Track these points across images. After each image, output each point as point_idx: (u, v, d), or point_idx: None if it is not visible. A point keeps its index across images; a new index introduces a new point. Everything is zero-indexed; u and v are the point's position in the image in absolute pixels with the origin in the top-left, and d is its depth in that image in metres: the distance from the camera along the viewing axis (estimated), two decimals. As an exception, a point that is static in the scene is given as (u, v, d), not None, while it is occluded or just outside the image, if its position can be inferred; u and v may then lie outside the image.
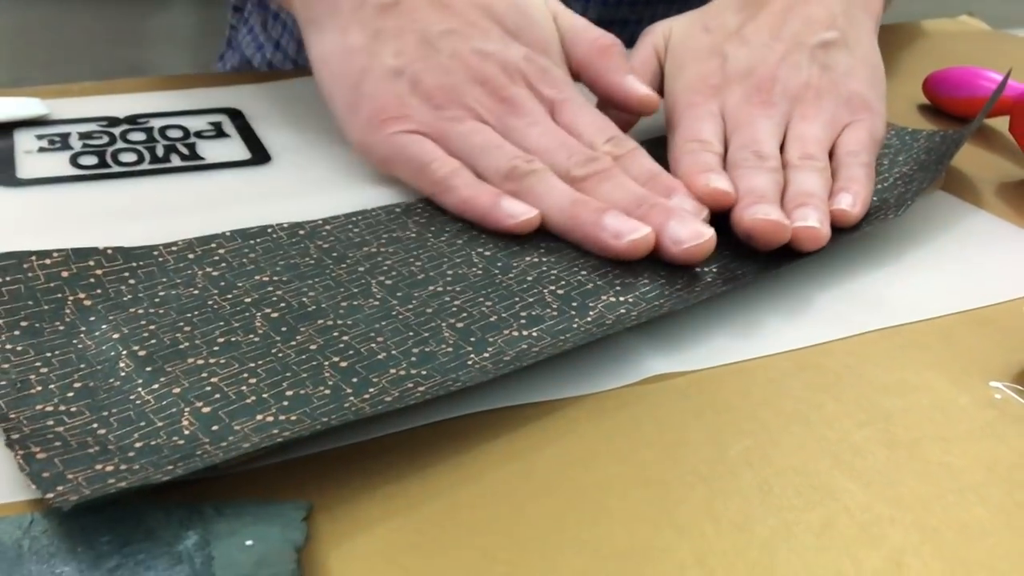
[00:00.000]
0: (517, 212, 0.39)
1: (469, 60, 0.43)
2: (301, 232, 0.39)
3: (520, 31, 0.45)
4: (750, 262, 0.39)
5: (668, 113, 0.47)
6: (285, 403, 0.29)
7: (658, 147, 0.46)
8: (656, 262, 0.38)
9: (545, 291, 0.36)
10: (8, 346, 0.31)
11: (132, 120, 0.50)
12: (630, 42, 0.75)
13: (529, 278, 0.37)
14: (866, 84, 0.46)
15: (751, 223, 0.38)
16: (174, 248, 0.37)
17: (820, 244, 0.39)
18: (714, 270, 0.38)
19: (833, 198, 0.41)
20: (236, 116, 0.51)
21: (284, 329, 0.33)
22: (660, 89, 0.49)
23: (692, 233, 0.37)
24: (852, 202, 0.41)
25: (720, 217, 0.40)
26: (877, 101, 0.46)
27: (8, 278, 0.33)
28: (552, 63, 0.45)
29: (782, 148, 0.44)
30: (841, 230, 0.40)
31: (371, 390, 0.30)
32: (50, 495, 0.25)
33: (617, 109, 0.46)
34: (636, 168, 0.42)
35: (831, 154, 0.44)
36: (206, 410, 0.29)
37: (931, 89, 0.59)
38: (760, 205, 0.39)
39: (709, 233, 0.37)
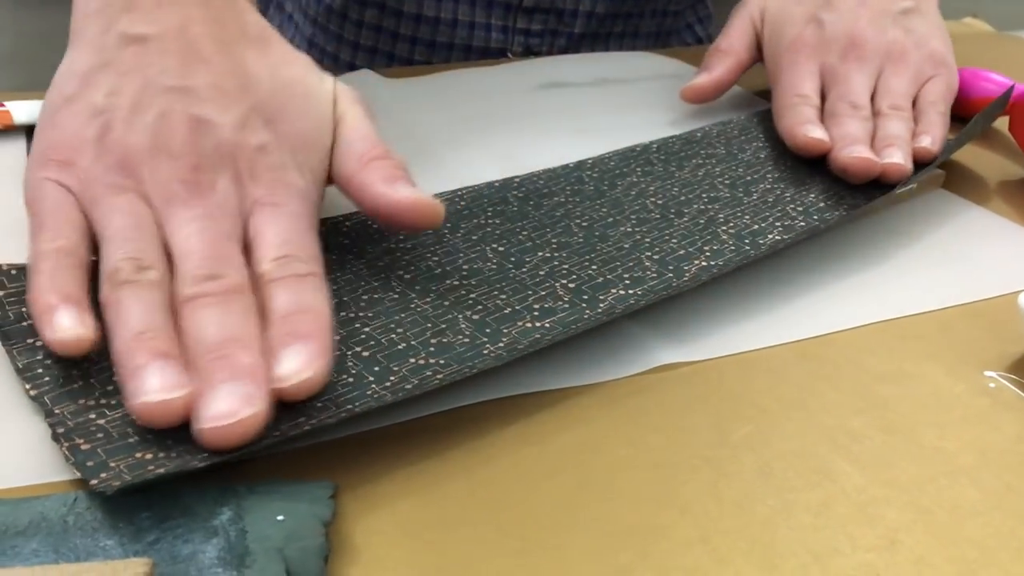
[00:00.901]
0: (62, 326, 0.31)
1: (180, 127, 0.35)
2: (322, 229, 0.40)
3: (280, 118, 0.37)
4: (753, 253, 0.40)
5: (771, 71, 0.55)
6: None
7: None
8: (663, 259, 0.40)
9: (557, 284, 0.38)
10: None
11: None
12: (634, 34, 0.77)
13: (541, 272, 0.38)
14: (942, 43, 0.54)
15: (847, 159, 0.46)
16: None
17: (904, 176, 0.46)
18: (720, 263, 0.39)
19: (916, 138, 0.48)
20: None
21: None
22: (757, 56, 0.57)
23: (222, 411, 0.28)
24: (931, 141, 0.48)
25: (732, 216, 0.42)
26: (951, 58, 0.54)
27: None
28: (295, 164, 0.37)
29: (873, 97, 0.51)
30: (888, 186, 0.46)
31: (391, 378, 0.32)
32: (94, 482, 0.27)
33: (390, 224, 0.38)
34: (281, 299, 0.32)
35: (914, 102, 0.51)
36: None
37: (934, 90, 0.60)
38: (855, 146, 0.46)
39: (243, 415, 0.28)
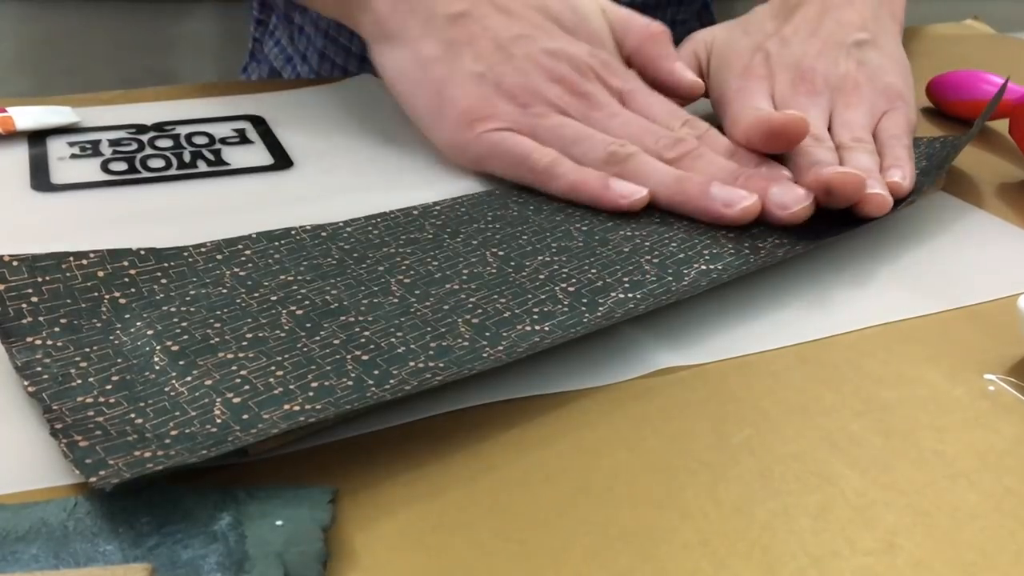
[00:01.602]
0: (628, 192, 0.42)
1: (542, 60, 0.46)
2: (323, 234, 0.41)
3: (577, 28, 0.48)
4: (751, 256, 0.40)
5: (718, 102, 0.52)
6: (310, 393, 0.31)
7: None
8: (663, 262, 0.40)
9: (556, 288, 0.38)
10: (49, 342, 0.33)
11: (159, 127, 0.52)
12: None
13: (541, 276, 0.38)
14: (898, 77, 0.51)
15: (831, 175, 0.42)
16: (203, 249, 0.38)
17: (885, 210, 0.43)
18: (719, 267, 0.39)
19: (885, 173, 0.45)
20: (259, 123, 0.53)
21: (308, 325, 0.35)
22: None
23: (795, 197, 0.41)
24: (903, 176, 0.45)
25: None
26: (908, 92, 0.51)
27: (48, 277, 0.35)
28: (609, 54, 0.48)
29: (831, 133, 0.48)
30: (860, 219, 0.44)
31: (391, 381, 0.32)
32: (92, 479, 0.27)
33: (667, 94, 0.49)
34: (717, 146, 0.45)
35: (873, 137, 0.48)
36: (236, 400, 0.31)
37: (934, 92, 0.60)
38: (832, 166, 0.43)
39: (809, 200, 0.41)
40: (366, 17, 0.49)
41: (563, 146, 0.45)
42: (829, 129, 0.48)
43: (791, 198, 0.41)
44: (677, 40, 0.79)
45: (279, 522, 0.26)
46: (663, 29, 0.50)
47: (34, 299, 0.34)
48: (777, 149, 0.46)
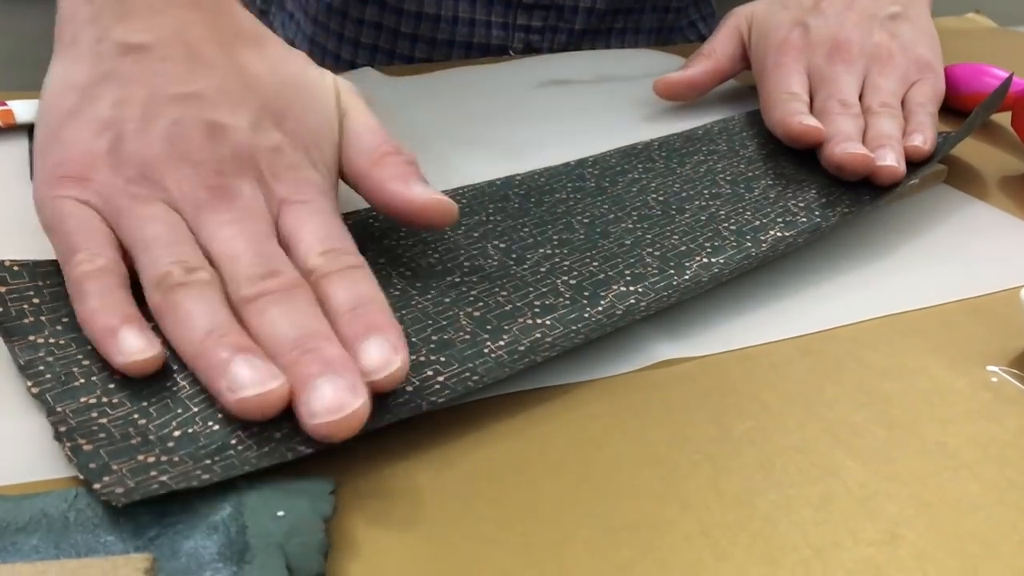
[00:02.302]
0: (131, 349, 0.31)
1: (195, 134, 0.35)
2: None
3: (288, 116, 0.37)
4: (753, 249, 0.40)
5: (758, 74, 0.55)
6: None
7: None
8: (664, 255, 0.40)
9: (558, 281, 0.38)
10: (52, 340, 0.33)
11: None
12: (635, 30, 0.77)
13: (543, 269, 0.38)
14: (928, 50, 0.53)
15: (842, 155, 0.45)
16: None
17: (897, 179, 0.45)
18: (720, 260, 0.39)
19: (908, 137, 0.48)
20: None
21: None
22: (740, 65, 0.58)
23: (333, 404, 0.28)
24: (924, 140, 0.47)
25: (725, 214, 0.42)
26: (938, 64, 0.53)
27: (48, 282, 0.35)
28: (310, 161, 0.37)
29: (861, 97, 0.51)
30: (882, 186, 0.46)
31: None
32: (97, 485, 0.27)
33: (403, 222, 0.38)
34: (340, 293, 0.33)
35: (902, 104, 0.51)
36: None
37: (936, 85, 0.60)
38: (848, 142, 0.46)
39: (356, 406, 0.28)
40: (58, 18, 0.39)
41: (136, 247, 0.34)
42: (862, 94, 0.51)
43: (326, 402, 0.28)
44: (676, 30, 0.79)
45: (280, 513, 0.26)
46: (394, 150, 0.39)
47: (35, 300, 0.34)
48: (797, 148, 0.49)
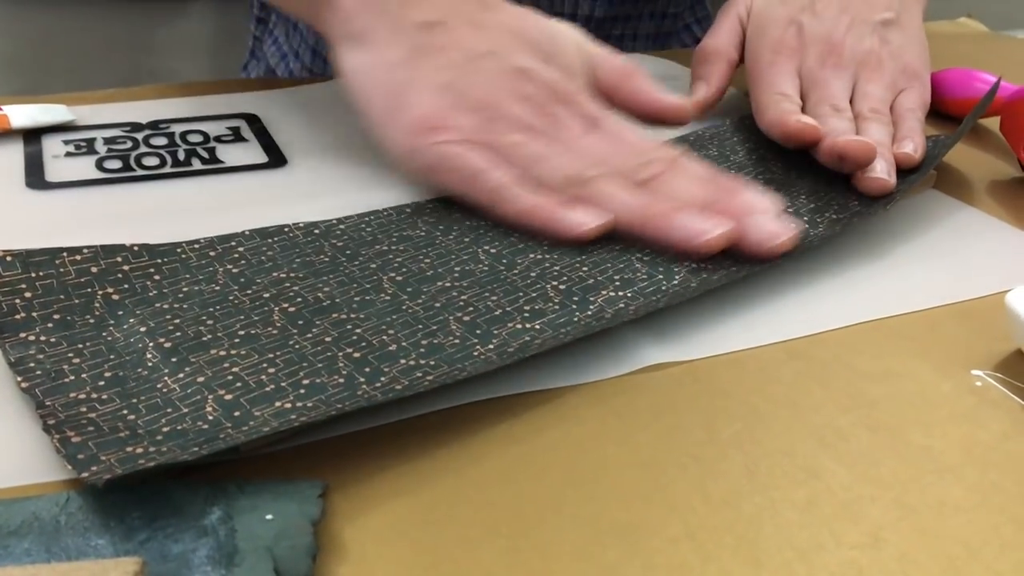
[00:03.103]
0: (580, 221, 0.40)
1: (511, 78, 0.44)
2: (316, 231, 0.41)
3: (551, 56, 0.46)
4: (745, 259, 0.40)
5: (751, 69, 0.56)
6: (302, 391, 0.31)
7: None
8: (653, 260, 0.40)
9: (548, 286, 0.38)
10: (43, 338, 0.33)
11: (154, 125, 0.52)
12: (632, 37, 0.77)
13: (533, 274, 0.39)
14: (917, 58, 0.54)
15: (844, 144, 0.46)
16: (197, 246, 0.39)
17: (886, 192, 0.46)
18: (709, 266, 0.40)
19: (898, 144, 0.49)
20: (253, 121, 0.53)
21: (300, 322, 0.35)
22: (741, 53, 0.58)
23: (770, 233, 0.39)
24: (914, 148, 0.48)
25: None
26: (925, 73, 0.54)
27: (41, 273, 0.35)
28: (578, 86, 0.46)
29: (851, 102, 0.52)
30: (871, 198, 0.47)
31: (382, 379, 0.32)
32: (85, 474, 0.27)
33: (655, 122, 0.48)
34: (690, 171, 0.42)
35: (890, 111, 0.52)
36: (228, 397, 0.31)
37: (927, 90, 0.60)
38: (847, 134, 0.47)
39: (790, 232, 0.39)
40: (333, 15, 0.47)
41: (525, 164, 0.42)
42: (851, 100, 0.52)
43: (766, 233, 0.39)
44: (672, 34, 0.80)
45: (269, 516, 0.27)
46: (638, 67, 0.49)
47: (27, 294, 0.34)
48: (792, 147, 0.49)
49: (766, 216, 0.39)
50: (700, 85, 0.57)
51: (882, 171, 0.46)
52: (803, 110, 0.51)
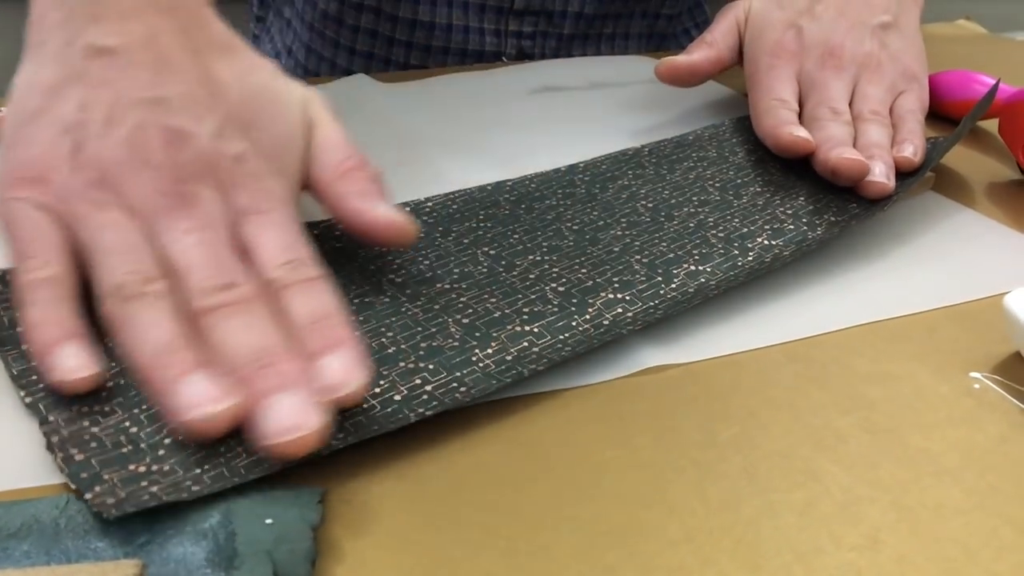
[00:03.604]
0: (66, 367, 0.31)
1: (156, 139, 0.35)
2: (315, 233, 0.41)
3: (253, 126, 0.37)
4: (741, 258, 0.40)
5: (749, 74, 0.55)
6: None
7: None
8: (652, 262, 0.40)
9: (547, 288, 0.38)
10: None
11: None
12: (624, 35, 0.77)
13: (531, 276, 0.39)
14: (915, 61, 0.54)
15: (837, 160, 0.46)
16: None
17: (886, 194, 0.45)
18: (708, 268, 0.40)
19: (897, 147, 0.48)
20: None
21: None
22: (738, 58, 0.58)
23: (289, 424, 0.28)
24: (914, 151, 0.48)
25: (719, 227, 0.42)
26: (923, 75, 0.54)
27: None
28: (273, 170, 0.37)
29: (851, 104, 0.51)
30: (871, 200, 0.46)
31: (381, 383, 0.32)
32: (89, 496, 0.27)
33: (364, 238, 0.38)
34: (300, 305, 0.32)
35: (889, 113, 0.51)
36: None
37: (925, 92, 0.60)
38: (842, 147, 0.46)
39: (313, 426, 0.28)
40: (29, 20, 0.39)
41: (94, 254, 0.33)
42: (851, 102, 0.52)
43: (282, 423, 0.28)
44: (669, 37, 0.80)
45: (269, 520, 0.27)
46: (360, 165, 0.39)
47: None
48: (786, 158, 0.49)
49: (295, 400, 0.29)
50: (680, 55, 0.58)
51: (881, 174, 0.46)
52: (801, 112, 0.51)
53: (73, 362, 0.31)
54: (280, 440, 0.28)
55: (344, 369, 0.30)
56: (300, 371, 0.30)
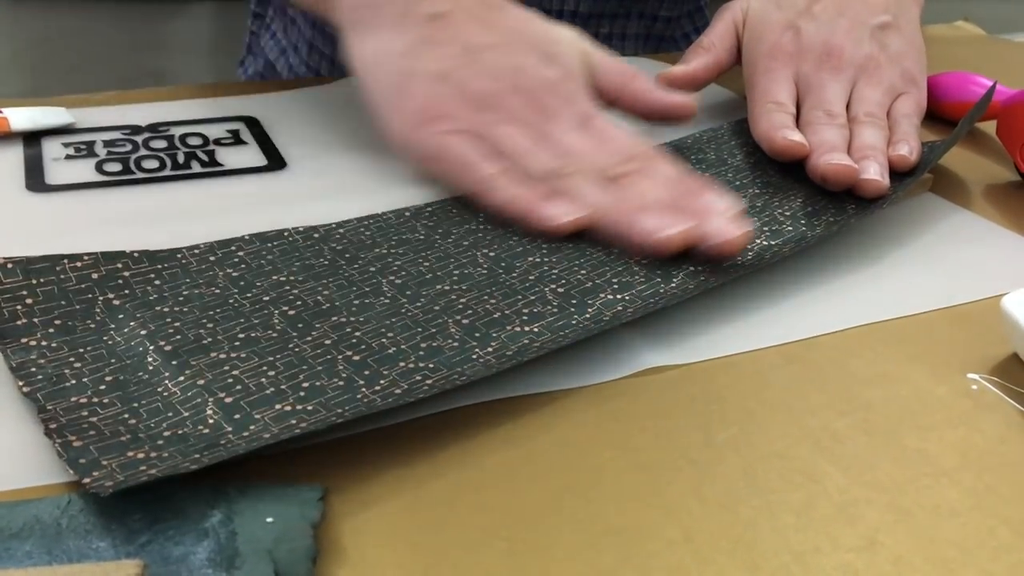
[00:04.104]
0: (559, 214, 0.41)
1: (509, 72, 0.46)
2: (316, 235, 0.41)
3: (551, 57, 0.47)
4: (740, 259, 0.41)
5: (748, 75, 0.56)
6: (301, 394, 0.32)
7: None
8: (651, 262, 0.40)
9: (546, 289, 0.38)
10: (44, 343, 0.33)
11: (154, 128, 0.52)
12: (621, 36, 0.77)
13: (531, 277, 0.39)
14: (914, 63, 0.55)
15: (826, 167, 0.46)
16: (196, 251, 0.39)
17: (880, 193, 0.46)
18: (707, 269, 0.40)
19: (893, 147, 0.49)
20: (253, 124, 0.54)
21: (300, 325, 0.35)
22: (737, 58, 0.58)
23: (729, 231, 0.39)
24: (910, 150, 0.49)
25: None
26: (921, 78, 0.55)
27: (42, 279, 0.35)
28: (581, 88, 0.47)
29: (848, 106, 0.52)
30: (867, 200, 0.47)
31: (381, 382, 0.32)
32: (87, 480, 0.28)
33: (660, 120, 0.50)
34: (660, 172, 0.43)
35: (887, 116, 0.52)
36: (228, 400, 0.31)
37: (924, 94, 0.60)
38: (833, 153, 0.47)
39: (739, 232, 0.39)
40: (341, 4, 0.49)
41: (512, 156, 0.44)
42: (848, 104, 0.52)
43: (722, 233, 0.40)
44: (670, 41, 0.80)
45: (269, 519, 0.27)
46: (640, 70, 0.50)
47: (28, 301, 0.34)
48: (781, 161, 0.50)
49: (723, 217, 0.40)
50: (678, 65, 0.58)
51: (875, 173, 0.46)
52: (798, 115, 0.51)
53: (558, 210, 0.42)
54: (721, 240, 0.39)
55: (720, 202, 0.41)
56: (703, 206, 0.41)
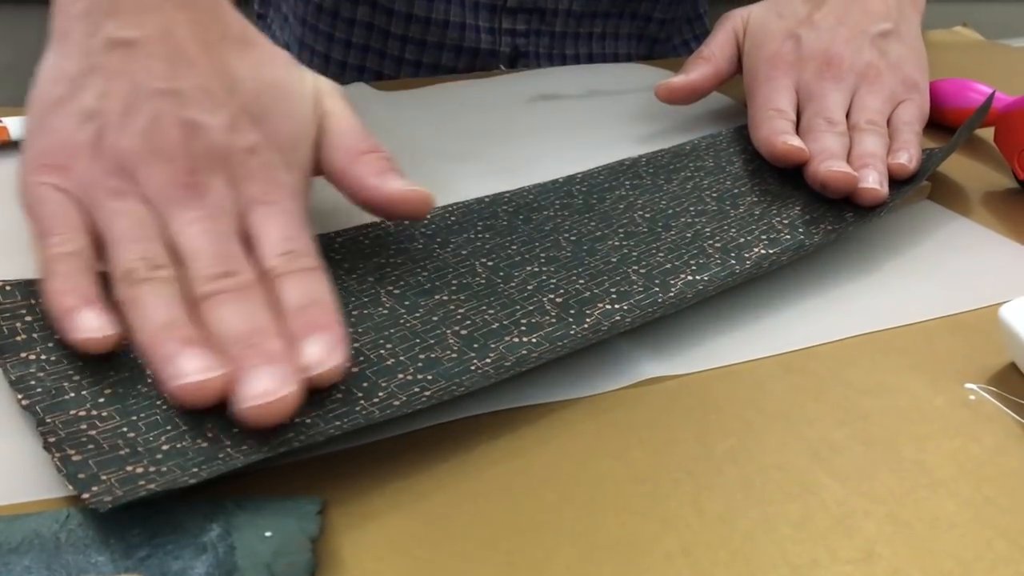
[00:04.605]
0: (88, 327, 0.33)
1: (171, 131, 0.36)
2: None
3: (266, 118, 0.38)
4: (737, 267, 0.41)
5: (748, 84, 0.56)
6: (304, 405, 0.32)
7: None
8: (650, 273, 0.40)
9: (544, 299, 0.38)
10: (43, 357, 0.33)
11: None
12: (615, 35, 0.78)
13: (529, 287, 0.39)
14: (916, 69, 0.55)
15: (826, 174, 0.46)
16: None
17: (879, 201, 0.46)
18: (705, 278, 0.40)
19: (893, 155, 0.49)
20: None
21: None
22: (737, 67, 0.58)
23: (262, 390, 0.30)
24: (909, 158, 0.48)
25: (719, 229, 0.42)
26: (923, 83, 0.54)
27: (41, 300, 0.35)
28: (284, 162, 0.38)
29: (848, 113, 0.51)
30: (864, 208, 0.46)
31: (380, 394, 0.32)
32: (86, 495, 0.28)
33: (383, 215, 0.41)
34: (292, 292, 0.34)
35: (888, 123, 0.52)
36: (227, 414, 0.31)
37: (922, 100, 0.60)
38: (833, 160, 0.47)
39: (285, 392, 0.30)
40: (58, 10, 0.40)
41: (108, 239, 0.35)
42: (849, 111, 0.52)
43: (257, 388, 0.30)
44: (667, 45, 0.80)
45: (268, 533, 0.27)
46: (373, 148, 0.40)
47: (28, 318, 0.35)
48: (781, 167, 0.50)
49: (273, 373, 0.31)
50: (678, 75, 0.58)
51: (874, 181, 0.46)
52: (798, 123, 0.51)
53: (95, 323, 0.33)
54: (253, 404, 0.30)
55: (320, 350, 0.32)
56: (283, 350, 0.32)
